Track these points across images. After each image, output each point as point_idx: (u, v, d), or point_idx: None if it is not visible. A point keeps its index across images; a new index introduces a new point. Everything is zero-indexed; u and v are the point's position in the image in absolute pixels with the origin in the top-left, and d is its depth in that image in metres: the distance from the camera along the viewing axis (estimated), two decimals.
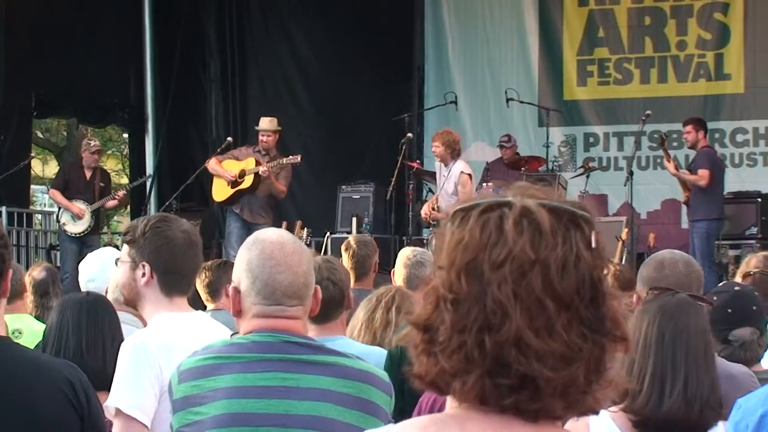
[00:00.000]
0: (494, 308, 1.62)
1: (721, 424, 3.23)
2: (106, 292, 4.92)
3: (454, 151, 12.68)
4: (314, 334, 4.80)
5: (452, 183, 12.46)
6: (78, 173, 14.01)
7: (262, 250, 3.16)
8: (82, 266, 5.62)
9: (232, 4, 17.28)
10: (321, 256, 5.36)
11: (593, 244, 1.67)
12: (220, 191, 13.60)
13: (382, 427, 1.78)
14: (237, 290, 3.19)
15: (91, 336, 4.45)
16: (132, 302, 4.09)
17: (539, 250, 1.63)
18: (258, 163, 13.27)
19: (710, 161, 13.54)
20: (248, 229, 12.21)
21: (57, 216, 14.11)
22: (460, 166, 12.60)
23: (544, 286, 1.62)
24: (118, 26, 16.78)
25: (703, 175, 13.29)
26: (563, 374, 1.62)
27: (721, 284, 5.49)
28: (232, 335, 3.77)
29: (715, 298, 4.46)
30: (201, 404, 3.07)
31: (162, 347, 3.81)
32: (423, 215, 12.96)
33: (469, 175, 12.63)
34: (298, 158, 13.21)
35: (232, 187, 13.41)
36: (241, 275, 3.18)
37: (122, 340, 4.08)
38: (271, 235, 3.27)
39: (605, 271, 1.68)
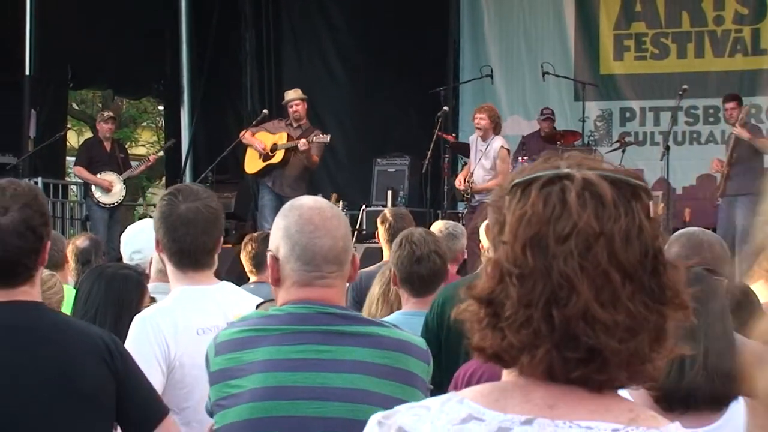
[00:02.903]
0: (561, 282, 1.62)
1: (741, 399, 3.21)
2: (151, 262, 4.90)
3: (497, 126, 12.61)
4: (414, 308, 5.20)
5: (491, 158, 12.37)
6: (99, 148, 14.31)
7: (300, 215, 3.11)
8: (126, 238, 5.55)
9: None
10: (422, 229, 5.53)
11: (652, 214, 1.68)
12: (252, 163, 13.63)
13: (421, 398, 1.78)
14: (275, 258, 3.13)
15: (100, 309, 4.41)
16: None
17: (603, 222, 1.63)
18: (290, 138, 13.26)
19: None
20: (281, 201, 12.20)
21: (86, 189, 14.28)
22: (500, 141, 12.51)
23: (610, 258, 1.63)
24: None
25: None
26: (629, 345, 1.63)
27: None
28: (258, 306, 3.78)
29: None
30: (238, 377, 3.05)
31: (170, 321, 3.85)
32: (457, 185, 12.91)
33: (508, 150, 12.58)
34: (328, 138, 13.17)
35: (263, 161, 13.43)
36: (279, 242, 3.12)
37: (136, 313, 4.08)
38: (307, 201, 3.21)
39: (663, 241, 1.70)
